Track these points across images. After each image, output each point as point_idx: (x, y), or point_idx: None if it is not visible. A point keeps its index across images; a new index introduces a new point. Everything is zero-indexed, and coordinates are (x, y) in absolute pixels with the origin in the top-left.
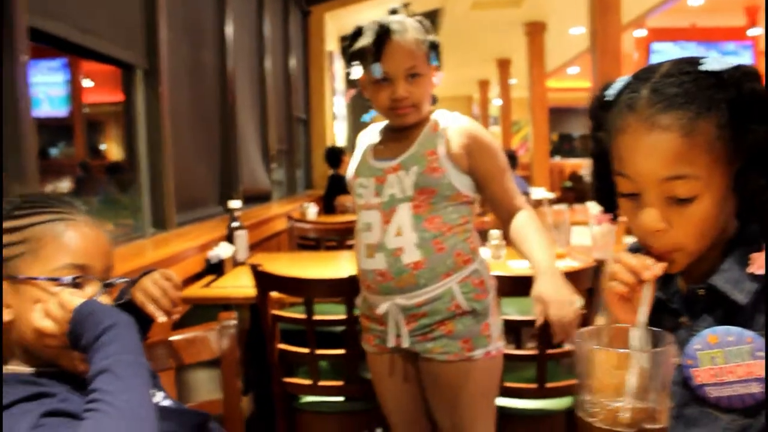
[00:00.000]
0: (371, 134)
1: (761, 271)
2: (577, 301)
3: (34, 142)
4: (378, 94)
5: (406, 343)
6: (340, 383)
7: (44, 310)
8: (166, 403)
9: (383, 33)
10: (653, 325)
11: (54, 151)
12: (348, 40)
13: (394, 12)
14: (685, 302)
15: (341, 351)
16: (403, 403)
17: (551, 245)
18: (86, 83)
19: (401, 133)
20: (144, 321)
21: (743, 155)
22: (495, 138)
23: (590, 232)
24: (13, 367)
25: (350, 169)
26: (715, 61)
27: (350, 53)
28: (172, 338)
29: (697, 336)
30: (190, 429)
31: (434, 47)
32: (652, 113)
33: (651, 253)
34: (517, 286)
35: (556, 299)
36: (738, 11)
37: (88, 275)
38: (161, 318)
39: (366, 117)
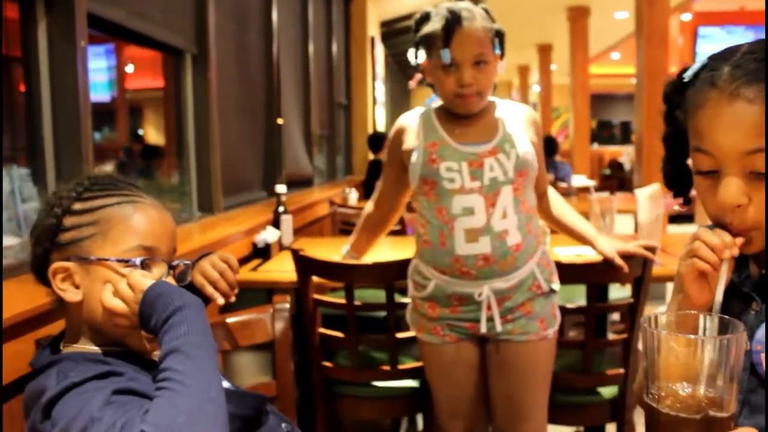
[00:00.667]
0: (426, 119)
1: None
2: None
3: (90, 126)
4: (445, 80)
5: (498, 328)
6: (380, 368)
7: (115, 291)
8: (226, 384)
9: (453, 19)
10: (722, 309)
11: (97, 136)
12: (416, 25)
13: None
14: (756, 287)
15: (381, 336)
16: (467, 391)
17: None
18: (128, 69)
19: (474, 118)
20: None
21: None
22: None
23: (634, 220)
24: (81, 346)
25: (417, 155)
26: None
27: (418, 38)
28: (228, 320)
29: None
30: (248, 410)
31: (499, 36)
32: (735, 87)
33: (729, 231)
34: (563, 274)
35: (625, 240)
36: None
37: (156, 257)
38: (220, 300)
39: (428, 102)
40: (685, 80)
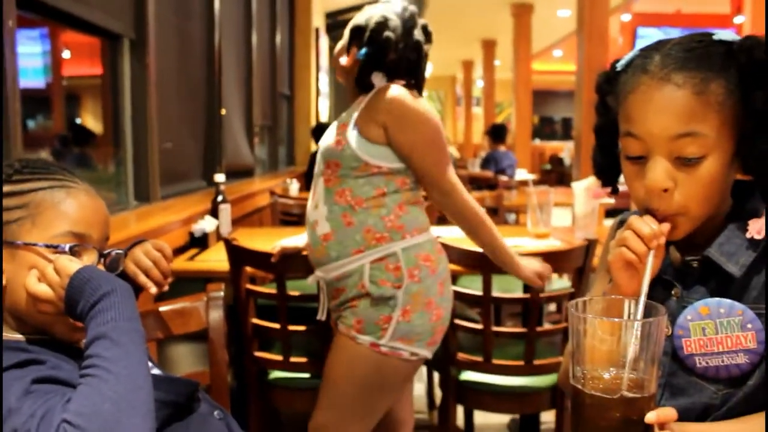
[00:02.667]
0: None
1: (760, 236)
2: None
3: (19, 111)
4: None
5: (323, 316)
6: (310, 359)
7: (41, 276)
8: (156, 371)
9: None
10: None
11: (31, 124)
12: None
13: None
14: (678, 274)
15: (313, 327)
16: None
17: (496, 236)
18: (64, 55)
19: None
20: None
21: (750, 120)
22: (425, 109)
23: (571, 213)
24: (3, 334)
25: None
26: (726, 33)
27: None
28: (160, 308)
29: (690, 307)
30: (178, 397)
31: (353, 31)
32: (665, 72)
33: (655, 216)
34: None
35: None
36: None
37: (86, 244)
38: (153, 289)
39: None
40: (618, 69)
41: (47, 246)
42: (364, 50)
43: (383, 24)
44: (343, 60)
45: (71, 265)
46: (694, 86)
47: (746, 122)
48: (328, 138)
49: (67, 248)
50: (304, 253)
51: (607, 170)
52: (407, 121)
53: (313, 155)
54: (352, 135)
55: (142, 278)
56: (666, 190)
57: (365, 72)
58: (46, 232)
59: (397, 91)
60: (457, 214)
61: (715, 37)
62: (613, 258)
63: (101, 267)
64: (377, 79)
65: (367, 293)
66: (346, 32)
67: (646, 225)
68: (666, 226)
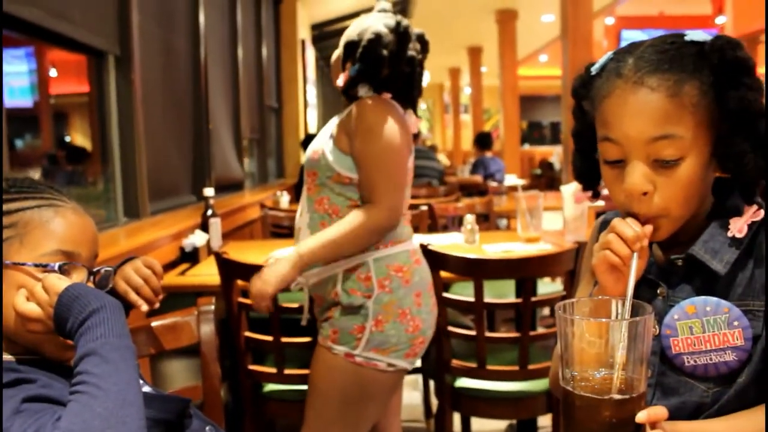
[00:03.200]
0: None
1: (741, 235)
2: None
3: (5, 130)
4: None
5: (304, 322)
6: (304, 371)
7: (29, 294)
8: (147, 389)
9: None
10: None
11: (19, 143)
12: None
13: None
14: (662, 273)
15: (306, 339)
16: None
17: (331, 241)
18: (51, 73)
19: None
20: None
21: (726, 120)
22: (388, 126)
23: (562, 216)
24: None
25: None
26: (697, 33)
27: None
28: (152, 324)
29: (676, 306)
30: (169, 414)
31: (349, 47)
32: (639, 76)
33: (638, 219)
34: (493, 270)
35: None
36: (705, 0)
37: (75, 262)
38: (144, 307)
39: None
40: (593, 73)
41: (36, 265)
42: (356, 66)
43: (376, 41)
44: (340, 81)
45: (59, 282)
46: (668, 89)
47: (722, 123)
48: (310, 147)
49: (56, 267)
50: None
51: (587, 174)
52: (364, 131)
53: (303, 167)
54: (327, 145)
55: (133, 296)
56: (645, 193)
57: (353, 84)
58: (34, 251)
59: (369, 102)
60: (350, 217)
61: (687, 38)
62: (597, 261)
63: (91, 284)
64: (363, 90)
65: (338, 302)
66: (341, 46)
67: (629, 228)
68: (649, 228)
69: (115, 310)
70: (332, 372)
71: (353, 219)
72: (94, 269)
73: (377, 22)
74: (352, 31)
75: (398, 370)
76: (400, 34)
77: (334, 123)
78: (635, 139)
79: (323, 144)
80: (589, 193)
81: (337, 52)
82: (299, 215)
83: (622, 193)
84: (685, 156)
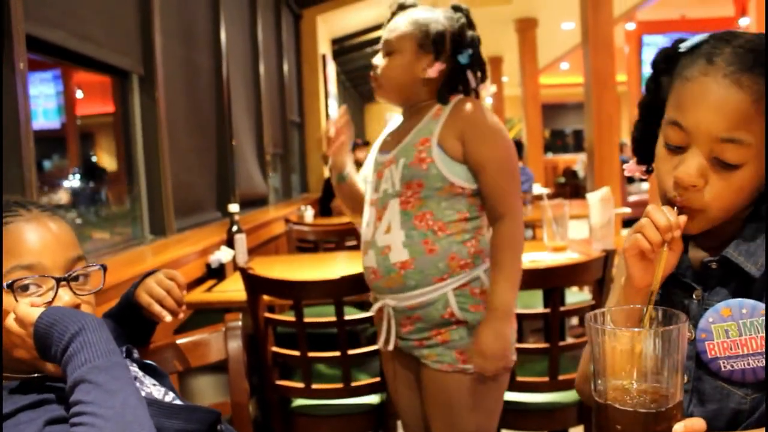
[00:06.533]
0: (390, 126)
1: None
2: (511, 357)
3: (33, 151)
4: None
5: (390, 346)
6: (333, 386)
7: (6, 327)
8: (177, 401)
9: (395, 7)
10: (665, 299)
11: (47, 164)
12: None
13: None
14: (697, 276)
15: (335, 354)
16: (412, 405)
17: (513, 275)
18: (77, 95)
19: (407, 122)
20: (148, 323)
21: None
22: (502, 127)
23: (588, 224)
24: (15, 375)
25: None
26: None
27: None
28: (179, 341)
29: (711, 309)
30: (200, 425)
31: (436, 37)
32: (732, 70)
33: (673, 205)
34: (523, 280)
35: (491, 354)
36: (727, 2)
37: (36, 274)
38: (167, 318)
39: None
40: (681, 50)
41: None
42: (468, 52)
43: (464, 24)
44: (432, 71)
45: (30, 312)
46: (756, 92)
47: None
48: (407, 157)
49: (7, 285)
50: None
51: (645, 147)
52: (490, 135)
53: (327, 181)
54: (436, 153)
55: (156, 307)
56: (695, 186)
57: (458, 75)
58: None
59: (477, 104)
60: (502, 241)
61: None
62: (628, 245)
63: (66, 290)
64: (473, 79)
65: (459, 321)
66: (415, 31)
67: (663, 216)
68: (683, 218)
69: (96, 328)
70: (466, 392)
71: (509, 240)
72: (69, 273)
73: (439, 13)
74: (428, 20)
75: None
76: (467, 17)
77: (435, 127)
78: (705, 133)
79: (431, 152)
80: (643, 168)
81: (405, 58)
82: (384, 231)
83: (671, 177)
84: (747, 163)
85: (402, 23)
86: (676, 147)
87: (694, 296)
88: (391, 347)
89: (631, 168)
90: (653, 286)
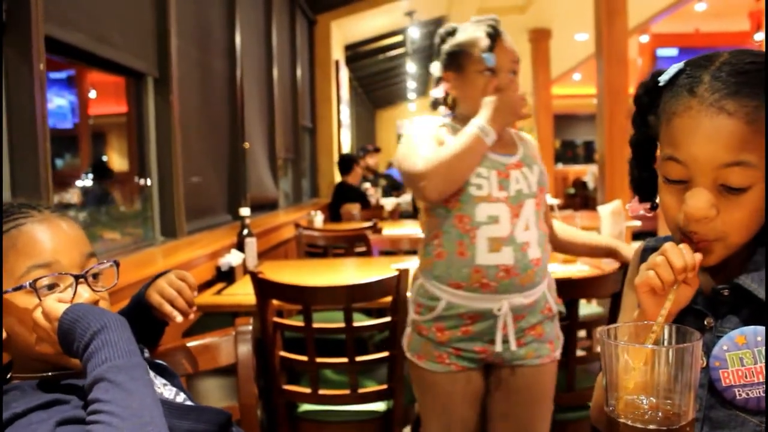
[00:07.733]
0: (452, 129)
1: None
2: None
3: (49, 150)
4: (482, 84)
5: (513, 347)
6: (340, 392)
7: (32, 323)
8: (188, 402)
9: (496, 28)
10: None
11: (59, 163)
12: (442, 38)
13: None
14: (708, 303)
15: (343, 360)
16: (467, 422)
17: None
18: (90, 95)
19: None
20: (158, 323)
21: None
22: None
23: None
24: (29, 374)
25: None
26: None
27: (450, 48)
28: (188, 344)
29: (725, 337)
30: (210, 425)
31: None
32: (716, 98)
33: (690, 240)
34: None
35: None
36: (742, 16)
37: (55, 272)
38: (178, 318)
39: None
40: (660, 83)
41: (14, 289)
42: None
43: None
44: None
45: (56, 307)
46: (747, 114)
47: None
48: (537, 165)
49: (28, 284)
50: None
51: (644, 185)
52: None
53: (338, 186)
54: (542, 165)
55: (167, 308)
56: (707, 217)
57: None
58: (13, 276)
59: None
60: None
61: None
62: (640, 281)
63: (86, 288)
64: None
65: (551, 314)
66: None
67: (679, 257)
68: (698, 257)
69: (118, 327)
70: (555, 377)
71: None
72: (86, 270)
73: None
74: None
75: None
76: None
77: (529, 145)
78: (704, 164)
79: (541, 164)
80: (647, 205)
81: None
82: (523, 228)
83: (681, 213)
84: (754, 184)
85: (512, 42)
86: (678, 181)
87: (705, 323)
88: (513, 347)
89: (635, 207)
90: (657, 320)
